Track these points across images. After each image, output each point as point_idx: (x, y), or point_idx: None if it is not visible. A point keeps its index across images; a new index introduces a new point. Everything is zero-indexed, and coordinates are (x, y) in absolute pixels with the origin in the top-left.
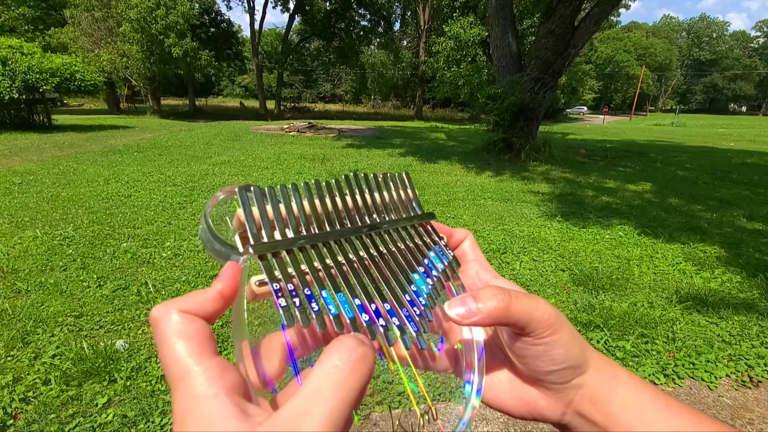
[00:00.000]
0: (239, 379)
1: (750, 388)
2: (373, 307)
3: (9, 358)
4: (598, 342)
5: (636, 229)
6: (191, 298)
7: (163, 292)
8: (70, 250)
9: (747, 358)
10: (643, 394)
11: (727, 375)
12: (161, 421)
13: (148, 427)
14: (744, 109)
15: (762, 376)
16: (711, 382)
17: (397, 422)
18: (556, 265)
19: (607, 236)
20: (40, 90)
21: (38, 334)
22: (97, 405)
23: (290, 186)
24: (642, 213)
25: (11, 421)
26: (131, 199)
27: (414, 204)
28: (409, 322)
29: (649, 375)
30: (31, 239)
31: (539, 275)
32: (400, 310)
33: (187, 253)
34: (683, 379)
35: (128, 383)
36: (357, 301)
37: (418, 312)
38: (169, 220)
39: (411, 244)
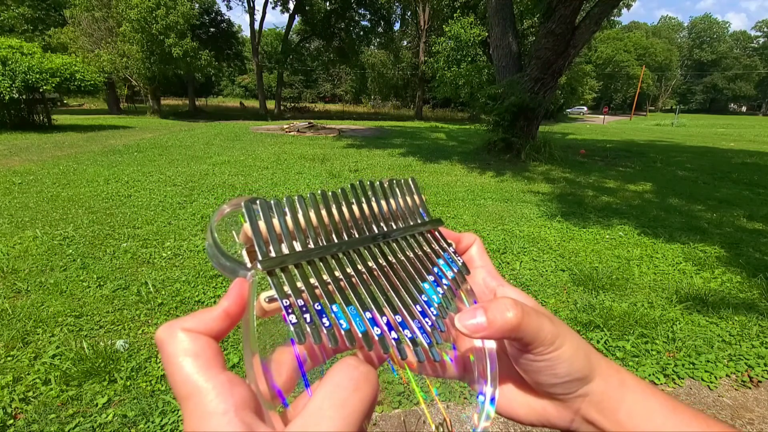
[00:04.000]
0: (249, 394)
1: (750, 388)
2: (385, 319)
3: (9, 358)
4: (598, 342)
5: (636, 229)
6: (196, 317)
7: (163, 292)
8: (70, 250)
9: (747, 358)
10: (651, 400)
11: (727, 375)
12: (161, 421)
13: (148, 427)
14: (744, 109)
15: (762, 376)
16: (711, 382)
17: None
18: (556, 265)
19: (607, 236)
20: (40, 90)
21: (38, 334)
22: (97, 405)
23: (296, 197)
24: (642, 213)
25: (11, 421)
26: (131, 199)
27: (421, 210)
28: (422, 334)
29: (649, 375)
30: (31, 239)
31: (539, 275)
32: (411, 322)
33: (187, 253)
34: (683, 379)
35: (128, 383)
36: (368, 315)
37: (429, 323)
38: (169, 220)
39: (420, 252)
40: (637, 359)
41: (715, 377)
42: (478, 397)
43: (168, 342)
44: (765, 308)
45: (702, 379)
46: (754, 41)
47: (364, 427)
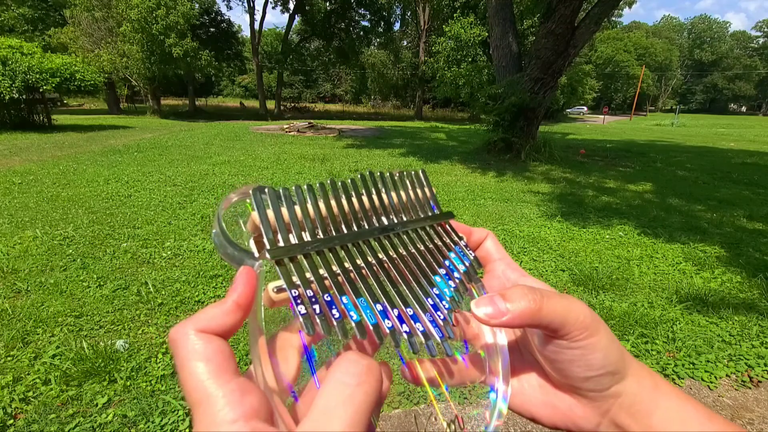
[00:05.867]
0: (259, 402)
1: (750, 388)
2: (396, 312)
3: (9, 358)
4: None
5: (636, 229)
6: (207, 313)
7: (163, 292)
8: (70, 250)
9: (747, 358)
10: (685, 407)
11: (727, 375)
12: (161, 421)
13: (148, 427)
14: (744, 109)
15: (762, 376)
16: (711, 382)
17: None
18: (556, 265)
19: (607, 236)
20: (40, 90)
21: (38, 334)
22: (97, 405)
23: (305, 187)
24: (642, 213)
25: (11, 421)
26: (131, 199)
27: (431, 203)
28: (434, 328)
29: None
30: (31, 239)
31: (539, 275)
32: (423, 315)
33: (187, 253)
34: (683, 379)
35: (128, 383)
36: (379, 307)
37: (441, 316)
38: (169, 220)
39: (431, 245)
40: (636, 359)
41: (715, 377)
42: (489, 394)
43: (180, 344)
44: (765, 308)
45: (702, 379)
46: (754, 41)
47: (372, 419)
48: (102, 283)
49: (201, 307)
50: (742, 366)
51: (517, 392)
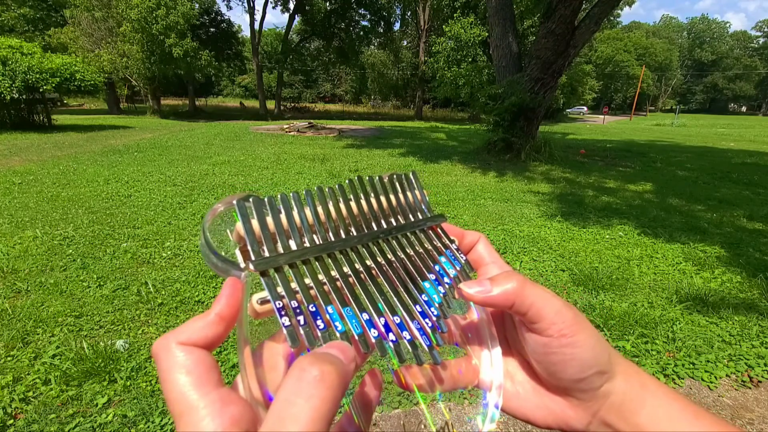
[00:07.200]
0: (241, 412)
1: (750, 388)
2: (382, 321)
3: (9, 358)
4: None
5: (636, 229)
6: (190, 326)
7: (163, 292)
8: (70, 250)
9: (747, 358)
10: (672, 405)
11: (727, 375)
12: (161, 421)
13: (148, 427)
14: (744, 109)
15: (762, 376)
16: (711, 382)
17: None
18: (556, 265)
19: (607, 236)
20: (40, 90)
21: (38, 334)
22: (97, 405)
23: (292, 194)
24: (642, 213)
25: (11, 421)
26: (131, 199)
27: (423, 206)
28: (421, 336)
29: None
30: (31, 239)
31: (539, 275)
32: (411, 323)
33: (187, 253)
34: (683, 379)
35: (128, 383)
36: (365, 316)
37: (430, 324)
38: (169, 220)
39: (420, 250)
40: (637, 359)
41: (715, 377)
42: (482, 400)
43: (162, 357)
44: (765, 308)
45: (702, 379)
46: (754, 41)
47: (359, 423)
48: (102, 283)
49: (201, 307)
50: (742, 366)
51: (513, 396)
